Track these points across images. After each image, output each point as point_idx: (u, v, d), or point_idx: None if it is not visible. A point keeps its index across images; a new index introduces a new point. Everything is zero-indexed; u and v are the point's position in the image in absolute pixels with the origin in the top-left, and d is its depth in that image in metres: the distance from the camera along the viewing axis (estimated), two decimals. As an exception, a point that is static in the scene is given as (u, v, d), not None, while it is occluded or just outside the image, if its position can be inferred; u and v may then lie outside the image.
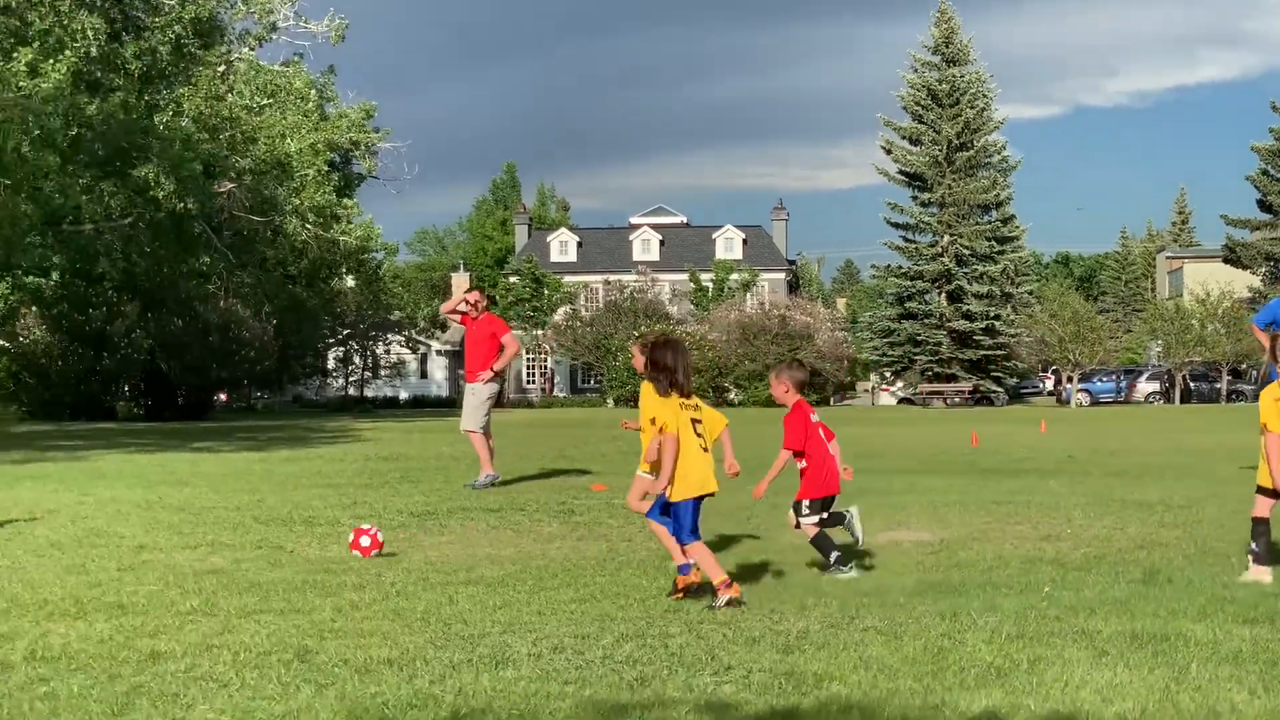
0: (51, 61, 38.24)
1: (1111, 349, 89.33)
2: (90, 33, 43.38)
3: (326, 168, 61.46)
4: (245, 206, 54.48)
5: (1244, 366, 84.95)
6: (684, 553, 9.43)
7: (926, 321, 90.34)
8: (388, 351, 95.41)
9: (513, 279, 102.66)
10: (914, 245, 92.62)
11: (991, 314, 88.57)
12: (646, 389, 9.53)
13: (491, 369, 18.80)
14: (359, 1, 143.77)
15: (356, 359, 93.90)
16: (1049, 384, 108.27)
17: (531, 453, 26.49)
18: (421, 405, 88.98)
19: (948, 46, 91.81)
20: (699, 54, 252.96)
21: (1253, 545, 9.97)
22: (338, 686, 6.67)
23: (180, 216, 48.55)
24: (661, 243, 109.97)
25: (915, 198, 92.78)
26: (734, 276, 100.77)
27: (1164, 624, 8.16)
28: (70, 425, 46.73)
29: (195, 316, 56.44)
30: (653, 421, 9.43)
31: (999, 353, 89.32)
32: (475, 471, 18.83)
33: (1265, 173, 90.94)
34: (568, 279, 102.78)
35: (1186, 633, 7.89)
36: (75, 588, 9.71)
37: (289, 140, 56.65)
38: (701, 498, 9.41)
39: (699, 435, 9.45)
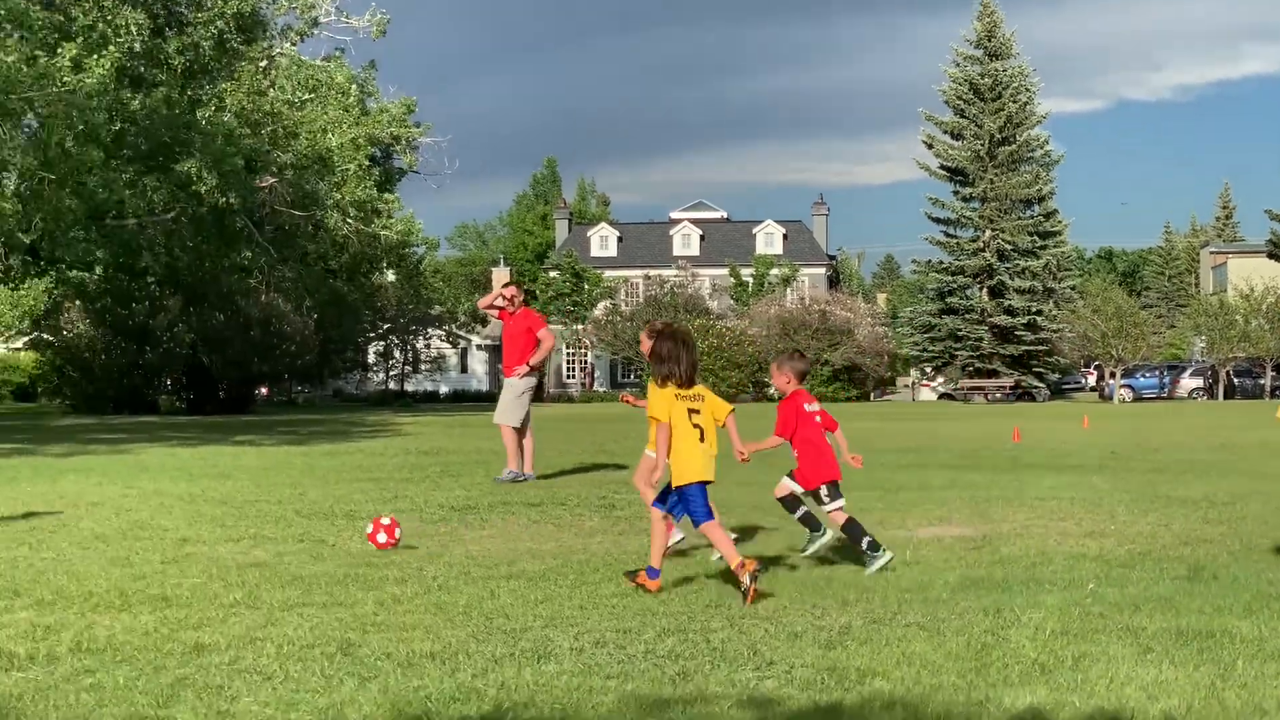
0: (95, 57, 38.42)
1: (1155, 345, 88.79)
2: (133, 28, 43.63)
3: (367, 162, 61.62)
4: (287, 201, 54.70)
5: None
6: (701, 531, 9.56)
7: (968, 317, 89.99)
8: (428, 346, 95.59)
9: (553, 274, 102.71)
10: (955, 240, 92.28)
11: (1033, 309, 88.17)
12: (651, 381, 9.68)
13: (528, 364, 18.83)
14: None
15: (397, 353, 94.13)
16: (1091, 380, 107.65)
17: (572, 447, 26.51)
18: (461, 400, 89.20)
19: (990, 40, 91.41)
20: (740, 48, 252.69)
21: None
22: (380, 680, 6.68)
23: (222, 211, 48.77)
24: (702, 238, 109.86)
25: (957, 192, 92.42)
26: (774, 271, 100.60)
27: (1209, 621, 8.11)
28: (113, 419, 47.03)
29: (237, 311, 56.69)
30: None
31: (1041, 348, 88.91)
32: (520, 464, 18.84)
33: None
34: (608, 274, 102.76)
35: (1232, 629, 7.84)
36: (120, 580, 9.76)
37: (330, 135, 56.84)
38: (707, 483, 9.54)
39: (696, 426, 9.51)
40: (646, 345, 10.16)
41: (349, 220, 59.70)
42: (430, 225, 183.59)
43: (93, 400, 55.26)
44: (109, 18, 42.66)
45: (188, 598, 9.05)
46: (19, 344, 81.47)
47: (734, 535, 10.83)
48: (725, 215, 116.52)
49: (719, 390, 79.77)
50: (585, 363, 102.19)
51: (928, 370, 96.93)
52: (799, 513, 10.88)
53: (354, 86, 62.74)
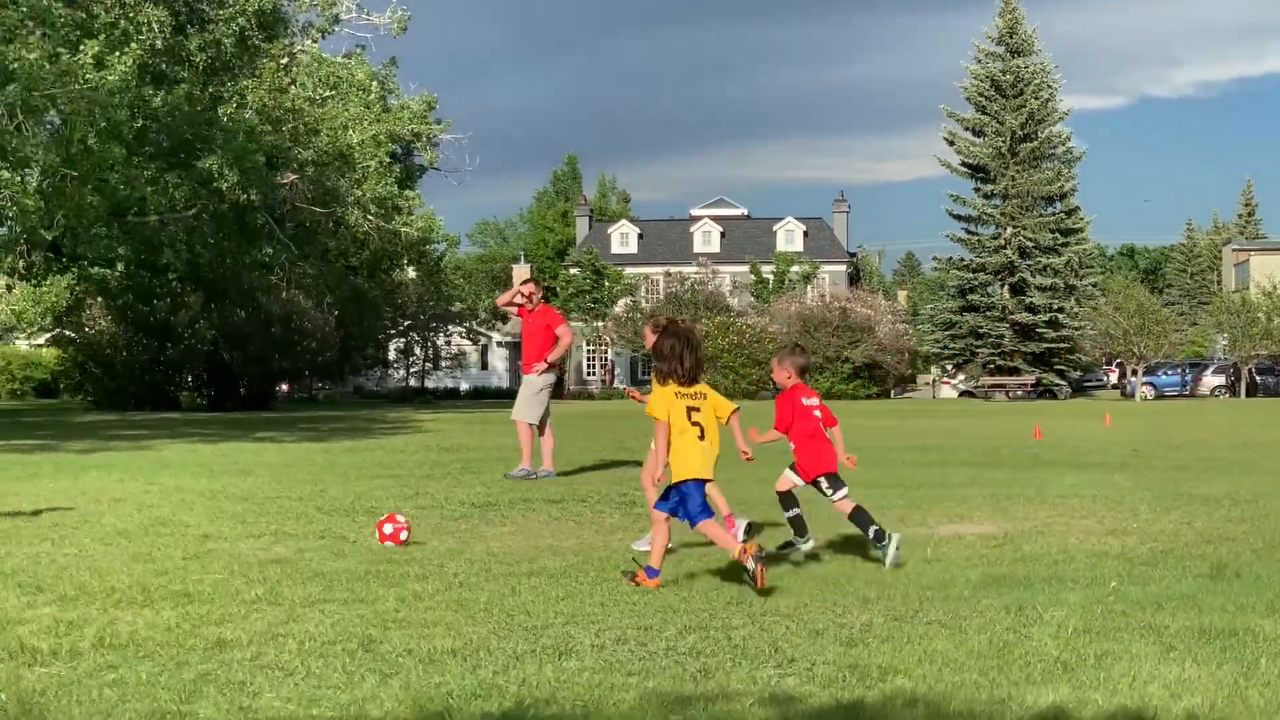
0: (117, 54, 38.55)
1: (1176, 342, 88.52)
2: (155, 25, 43.75)
3: (388, 159, 61.75)
4: (307, 198, 54.82)
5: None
6: (697, 529, 9.59)
7: (989, 314, 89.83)
8: (448, 343, 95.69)
9: (573, 270, 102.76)
10: (976, 237, 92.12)
11: (1055, 306, 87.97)
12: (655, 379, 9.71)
13: (546, 360, 18.87)
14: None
15: (417, 350, 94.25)
16: (1113, 377, 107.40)
17: (592, 444, 26.53)
18: (482, 396, 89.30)
19: (1012, 37, 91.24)
20: (761, 45, 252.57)
21: None
22: (402, 676, 6.68)
23: (243, 208, 48.94)
24: (722, 234, 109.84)
25: (978, 189, 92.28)
26: (794, 268, 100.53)
27: (1232, 619, 8.07)
28: (134, 415, 47.17)
29: (258, 307, 56.82)
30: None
31: (1062, 345, 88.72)
32: (535, 464, 18.85)
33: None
34: (628, 271, 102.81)
35: (1255, 628, 7.81)
36: (142, 576, 9.78)
37: (351, 132, 56.95)
38: (706, 481, 9.59)
39: (696, 424, 9.53)
40: (650, 339, 10.14)
41: (370, 217, 59.81)
42: (451, 222, 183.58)
43: (114, 396, 55.42)
44: (131, 15, 42.78)
45: (209, 594, 9.06)
46: (41, 340, 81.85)
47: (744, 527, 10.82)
48: (746, 212, 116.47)
49: (739, 388, 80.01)
50: (606, 360, 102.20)
51: (948, 368, 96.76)
52: (791, 513, 10.90)
53: (375, 83, 62.85)
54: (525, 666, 6.89)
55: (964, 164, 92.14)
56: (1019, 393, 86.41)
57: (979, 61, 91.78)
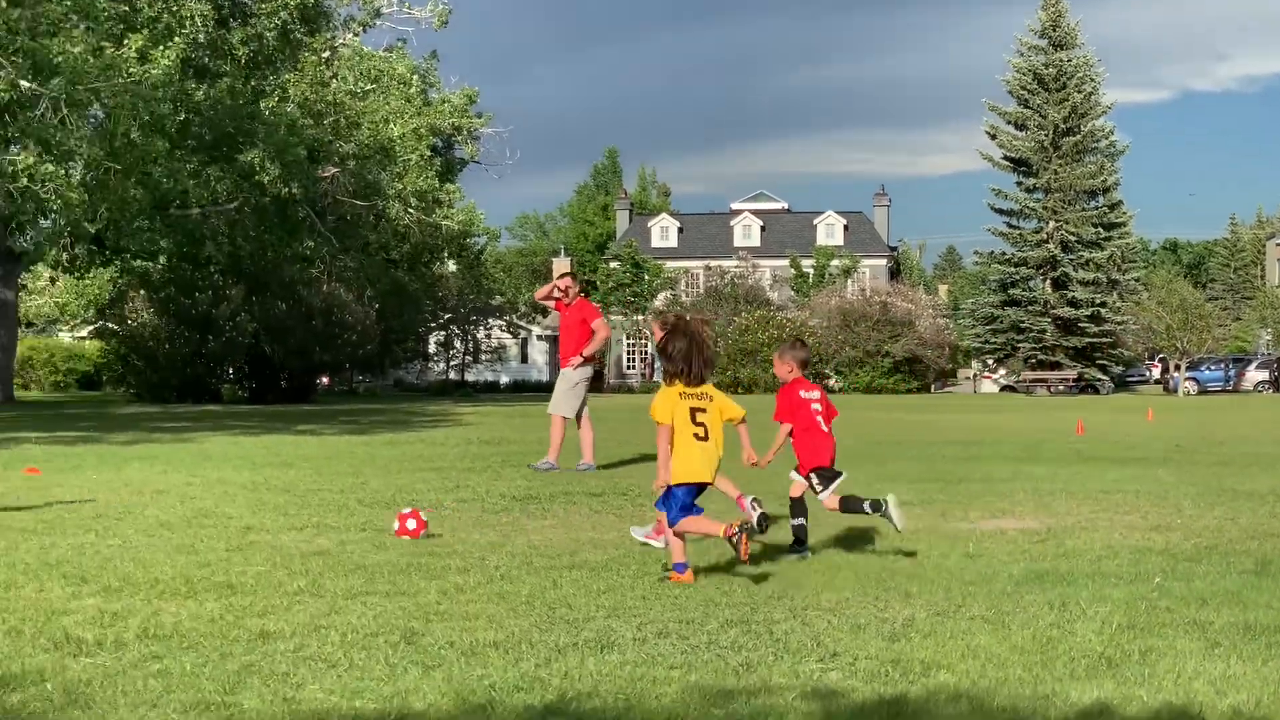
0: (161, 48, 38.75)
1: (1220, 337, 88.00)
2: (198, 19, 43.96)
3: (429, 153, 61.93)
4: (348, 191, 55.01)
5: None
6: (676, 531, 9.55)
7: (1030, 308, 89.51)
8: (488, 336, 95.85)
9: (613, 264, 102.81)
10: (1018, 231, 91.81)
11: (1097, 301, 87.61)
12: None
13: (582, 354, 18.90)
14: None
15: (457, 343, 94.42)
16: (1155, 372, 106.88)
17: (632, 438, 26.51)
18: (522, 390, 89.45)
19: (1055, 30, 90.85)
20: (801, 39, 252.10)
21: None
22: (444, 668, 6.69)
23: (285, 201, 49.14)
24: (762, 228, 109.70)
25: (1020, 183, 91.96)
26: (835, 262, 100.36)
27: (1277, 616, 8.01)
28: (176, 407, 47.39)
29: (299, 300, 56.98)
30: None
31: (1105, 340, 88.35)
32: (574, 456, 18.88)
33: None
34: (668, 264, 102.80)
35: (1301, 625, 7.76)
36: (185, 567, 9.82)
37: (392, 125, 57.13)
38: (701, 485, 9.58)
39: (698, 424, 9.48)
40: (659, 336, 10.09)
41: (410, 210, 59.99)
42: (491, 216, 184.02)
43: (156, 389, 55.66)
44: (174, 9, 43.00)
45: (252, 585, 9.09)
46: (84, 333, 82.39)
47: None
48: (786, 206, 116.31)
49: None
50: (645, 354, 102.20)
51: (989, 362, 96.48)
52: (796, 521, 10.86)
53: (416, 77, 63.04)
54: (567, 659, 6.88)
55: (1006, 158, 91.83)
56: (1061, 387, 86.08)
57: (1021, 55, 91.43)
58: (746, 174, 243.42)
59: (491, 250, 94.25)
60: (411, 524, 11.48)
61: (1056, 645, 7.24)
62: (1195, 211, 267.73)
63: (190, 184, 44.41)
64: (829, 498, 10.86)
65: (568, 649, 7.13)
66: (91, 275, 66.24)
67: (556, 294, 19.33)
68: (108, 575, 9.45)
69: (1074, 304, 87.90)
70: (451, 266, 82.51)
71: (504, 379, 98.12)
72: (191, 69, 44.68)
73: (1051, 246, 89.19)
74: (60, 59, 34.79)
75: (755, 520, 9.92)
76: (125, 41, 38.29)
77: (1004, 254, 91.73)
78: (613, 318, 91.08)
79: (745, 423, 9.95)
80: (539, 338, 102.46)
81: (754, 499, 10.23)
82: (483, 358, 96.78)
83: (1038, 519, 13.00)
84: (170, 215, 46.91)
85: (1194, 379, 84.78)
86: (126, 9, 41.07)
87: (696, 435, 9.48)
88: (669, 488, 9.52)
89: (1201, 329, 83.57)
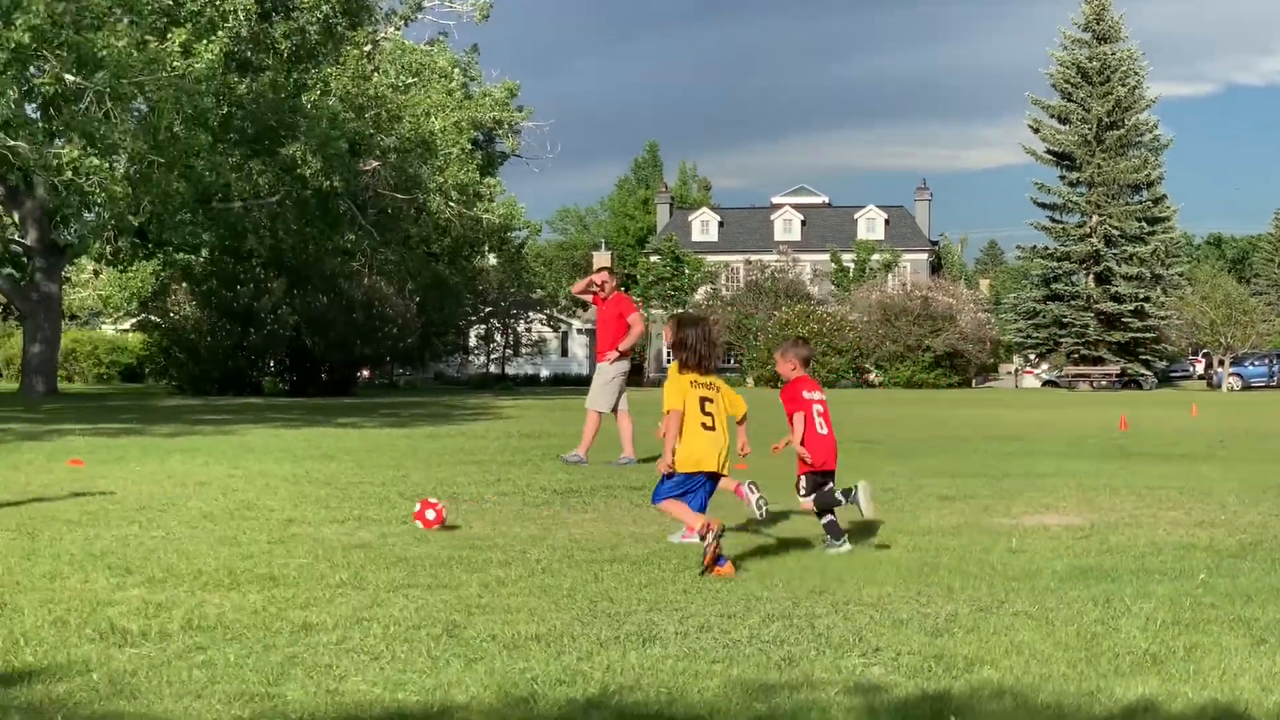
0: (204, 42, 38.92)
1: (1264, 332, 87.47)
2: (241, 13, 44.14)
3: (470, 146, 62.03)
4: (390, 184, 55.16)
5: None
6: (660, 508, 9.83)
7: (1073, 303, 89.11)
8: (529, 329, 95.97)
9: (654, 258, 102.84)
10: (1061, 226, 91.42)
11: (1141, 296, 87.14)
12: (672, 366, 9.83)
13: (617, 349, 18.92)
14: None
15: (498, 337, 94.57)
16: (1199, 368, 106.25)
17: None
18: (562, 383, 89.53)
19: (1099, 23, 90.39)
20: (843, 32, 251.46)
21: None
22: (486, 662, 6.70)
23: (326, 194, 49.30)
24: (803, 223, 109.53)
25: (1063, 177, 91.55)
26: (875, 257, 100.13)
27: (1325, 613, 7.96)
28: (218, 400, 47.59)
29: (340, 293, 57.13)
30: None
31: (1148, 335, 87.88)
32: (615, 450, 18.89)
33: None
34: (709, 258, 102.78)
35: (1348, 622, 7.70)
36: (228, 559, 9.86)
37: (433, 119, 57.25)
38: (699, 475, 9.64)
39: (706, 414, 9.59)
40: (669, 336, 10.15)
41: (451, 204, 60.13)
42: (532, 209, 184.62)
43: (198, 381, 55.88)
44: (217, 3, 43.18)
45: (295, 577, 9.12)
46: (127, 325, 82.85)
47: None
48: (827, 200, 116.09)
49: (819, 376, 79.73)
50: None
51: (1031, 357, 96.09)
52: (825, 520, 10.83)
53: (457, 70, 63.21)
54: (609, 653, 6.88)
55: (1049, 152, 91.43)
56: (1103, 383, 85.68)
57: (1065, 48, 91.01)
58: (787, 168, 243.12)
59: (532, 244, 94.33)
60: (430, 514, 11.54)
61: (1101, 641, 7.21)
62: (1239, 206, 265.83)
63: (232, 177, 44.59)
64: (807, 501, 10.90)
65: (609, 643, 7.13)
66: (134, 268, 66.67)
67: (593, 288, 19.35)
68: (152, 566, 9.50)
69: (1117, 299, 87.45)
70: (492, 260, 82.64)
71: (544, 372, 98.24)
72: (234, 63, 44.88)
73: (1095, 241, 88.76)
74: (105, 53, 35.00)
75: (754, 504, 9.90)
76: (169, 35, 38.49)
77: (1047, 248, 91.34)
78: (653, 311, 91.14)
79: (745, 420, 10.10)
80: (579, 331, 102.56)
81: (750, 483, 10.26)
82: (523, 351, 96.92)
83: (1081, 514, 12.93)
84: (212, 208, 47.13)
85: (1238, 374, 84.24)
86: (170, 3, 41.27)
87: (704, 425, 9.62)
88: (674, 473, 9.64)
89: (1245, 324, 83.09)
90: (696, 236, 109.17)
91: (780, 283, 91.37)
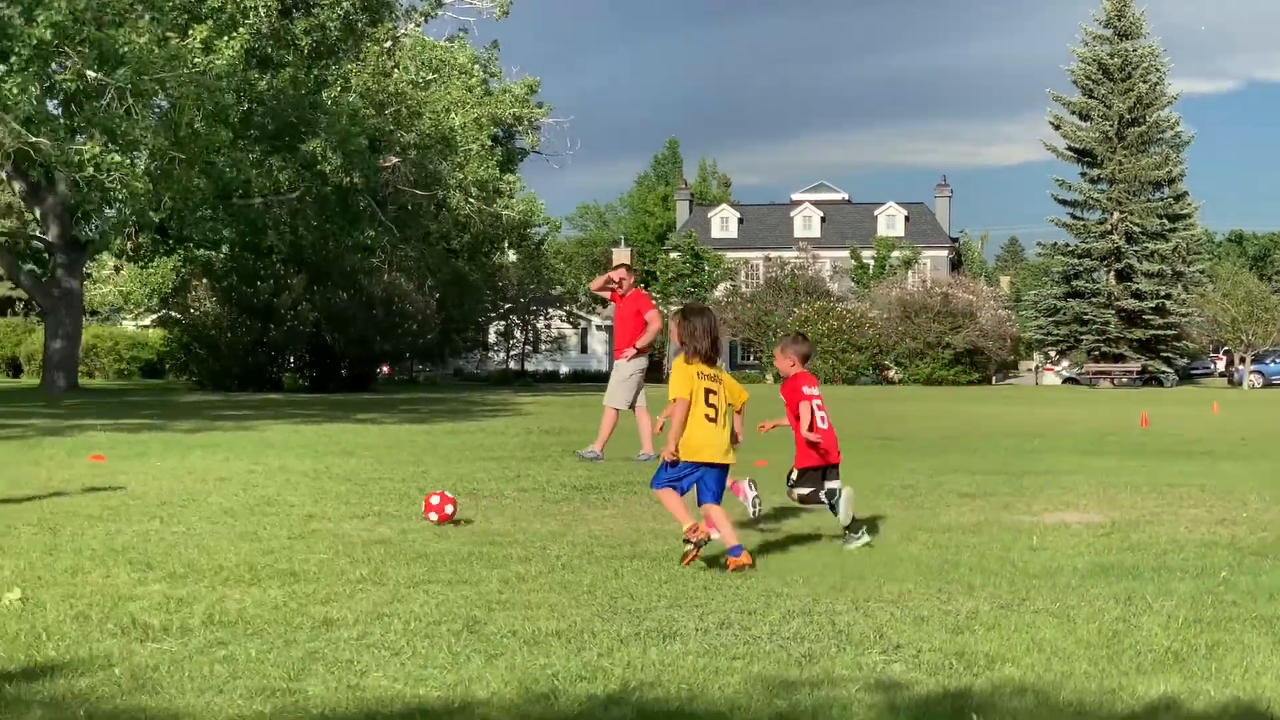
0: (225, 38, 38.99)
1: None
2: (262, 9, 44.24)
3: (490, 142, 62.04)
4: (409, 181, 55.24)
5: None
6: (657, 495, 9.91)
7: (1094, 300, 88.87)
8: (548, 326, 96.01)
9: (673, 255, 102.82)
10: (1082, 222, 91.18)
11: (1162, 293, 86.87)
12: (679, 356, 9.91)
13: (635, 346, 18.91)
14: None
15: (517, 333, 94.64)
16: (1220, 365, 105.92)
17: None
18: (581, 380, 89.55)
19: (1120, 19, 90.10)
20: (862, 29, 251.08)
21: None
22: (507, 657, 6.70)
23: (346, 190, 49.39)
24: (823, 219, 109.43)
25: (1084, 174, 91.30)
26: (895, 254, 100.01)
27: (1348, 611, 7.93)
28: (238, 395, 47.70)
29: (360, 289, 57.23)
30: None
31: (1169, 333, 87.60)
32: (635, 446, 18.88)
33: None
34: (728, 255, 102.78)
35: (1371, 620, 7.67)
36: (249, 554, 9.88)
37: (453, 115, 57.30)
38: (702, 465, 9.68)
39: (710, 405, 9.65)
40: (676, 327, 10.17)
41: (471, 200, 60.17)
42: (552, 206, 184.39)
43: (218, 377, 56.02)
44: (239, 0, 43.23)
45: (315, 573, 9.14)
46: (148, 321, 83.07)
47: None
48: (846, 197, 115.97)
49: (839, 373, 79.71)
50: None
51: (1052, 354, 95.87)
52: (811, 503, 10.88)
53: (477, 67, 63.20)
54: (629, 649, 6.88)
55: (1070, 148, 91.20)
56: (1124, 380, 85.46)
57: (1086, 44, 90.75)
58: (807, 165, 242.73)
59: (552, 240, 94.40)
60: (441, 507, 11.61)
61: (1122, 639, 7.20)
62: (1261, 203, 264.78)
63: (253, 173, 44.70)
64: (795, 492, 11.03)
65: (630, 639, 7.13)
66: (155, 264, 66.86)
67: (611, 285, 19.34)
68: (173, 561, 9.53)
69: (1138, 296, 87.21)
70: (512, 256, 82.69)
71: (563, 369, 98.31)
72: (255, 59, 44.96)
73: (1116, 238, 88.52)
74: (126, 49, 35.10)
75: (749, 503, 9.88)
76: (190, 32, 38.57)
77: (1067, 245, 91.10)
78: (672, 308, 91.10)
79: (743, 411, 10.12)
80: (598, 328, 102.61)
81: (750, 480, 10.28)
82: (542, 348, 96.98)
83: (1102, 512, 12.90)
84: (233, 204, 47.24)
85: (1259, 372, 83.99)
86: (192, 0, 41.35)
87: (707, 416, 9.67)
88: (676, 461, 9.70)
89: (1267, 321, 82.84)
90: (716, 233, 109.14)
91: (800, 280, 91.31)
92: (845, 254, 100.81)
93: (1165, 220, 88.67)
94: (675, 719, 5.69)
